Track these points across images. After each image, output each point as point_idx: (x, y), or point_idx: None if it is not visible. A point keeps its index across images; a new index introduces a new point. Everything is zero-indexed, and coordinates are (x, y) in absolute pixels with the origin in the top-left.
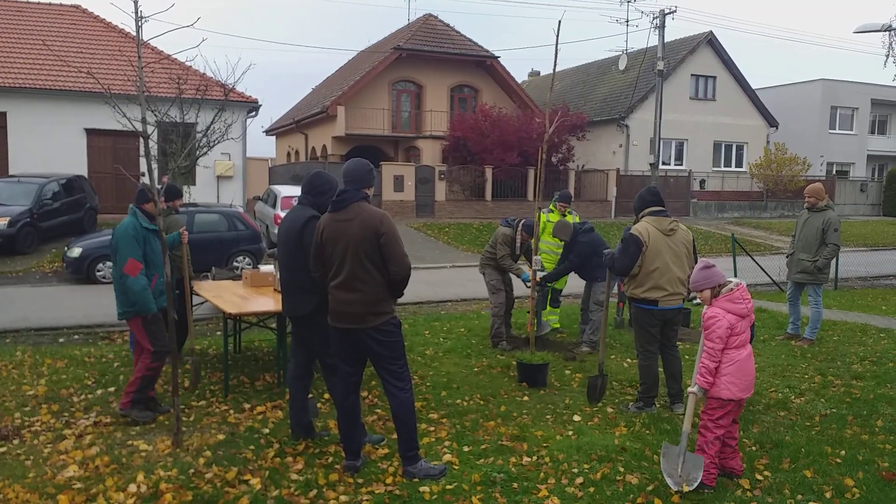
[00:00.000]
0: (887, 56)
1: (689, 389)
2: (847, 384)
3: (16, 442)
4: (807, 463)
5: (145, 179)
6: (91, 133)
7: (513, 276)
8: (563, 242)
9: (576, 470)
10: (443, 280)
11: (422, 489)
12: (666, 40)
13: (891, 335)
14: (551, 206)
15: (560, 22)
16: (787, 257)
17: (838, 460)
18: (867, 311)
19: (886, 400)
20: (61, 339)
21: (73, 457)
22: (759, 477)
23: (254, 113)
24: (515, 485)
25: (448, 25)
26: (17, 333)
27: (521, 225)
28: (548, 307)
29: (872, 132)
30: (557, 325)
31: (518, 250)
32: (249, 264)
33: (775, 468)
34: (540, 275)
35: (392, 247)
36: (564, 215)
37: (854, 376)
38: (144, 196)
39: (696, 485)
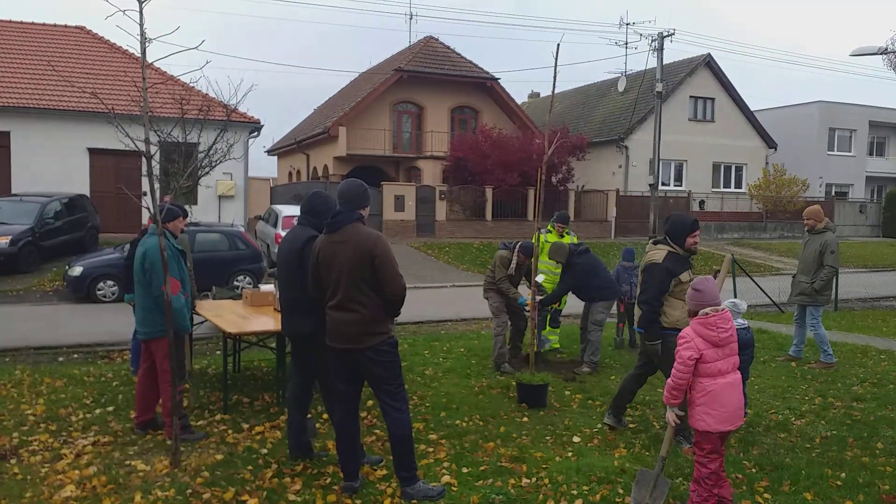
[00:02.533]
0: None
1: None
2: (847, 406)
3: (13, 461)
4: (807, 485)
5: (147, 199)
6: (94, 153)
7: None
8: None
9: (575, 492)
10: (443, 299)
11: None
12: (664, 62)
13: (891, 357)
14: (549, 227)
15: (559, 45)
16: (793, 279)
17: (839, 483)
18: (867, 333)
19: (887, 422)
20: (61, 358)
21: (71, 476)
22: (760, 500)
23: (255, 133)
24: None
25: (448, 48)
26: (16, 352)
27: (518, 247)
28: (547, 327)
29: (871, 153)
30: (557, 346)
31: (515, 272)
32: (250, 283)
33: (776, 490)
34: (538, 298)
35: (386, 268)
36: (562, 236)
37: (854, 398)
38: (170, 214)
39: None
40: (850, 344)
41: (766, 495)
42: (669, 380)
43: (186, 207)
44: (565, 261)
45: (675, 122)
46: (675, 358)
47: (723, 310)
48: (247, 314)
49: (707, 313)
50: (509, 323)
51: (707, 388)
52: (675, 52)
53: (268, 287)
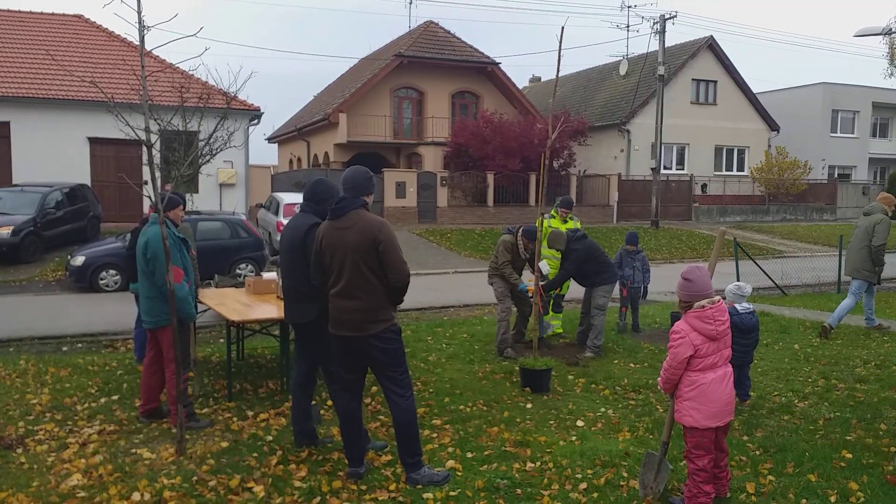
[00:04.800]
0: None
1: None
2: (851, 388)
3: (19, 451)
4: (811, 467)
5: (148, 188)
6: (94, 142)
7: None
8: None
9: (579, 475)
10: (445, 286)
11: (425, 495)
12: (666, 45)
13: (894, 338)
14: (553, 212)
15: (563, 28)
16: None
17: (842, 464)
18: None
19: (890, 403)
20: (65, 348)
21: (77, 465)
22: (764, 481)
23: (256, 121)
24: (519, 491)
25: (449, 32)
26: (20, 342)
27: (520, 231)
28: (550, 312)
29: (874, 135)
30: (560, 331)
31: (523, 254)
32: (252, 271)
33: (780, 472)
34: (541, 284)
35: (390, 254)
36: (566, 221)
37: (858, 380)
38: (171, 203)
39: (659, 495)
40: (854, 326)
41: (770, 477)
42: (663, 373)
43: (187, 196)
44: (564, 248)
45: (678, 106)
46: (668, 353)
47: (718, 301)
48: (250, 302)
49: (703, 306)
50: (514, 308)
51: (697, 382)
52: (677, 35)
53: (270, 275)
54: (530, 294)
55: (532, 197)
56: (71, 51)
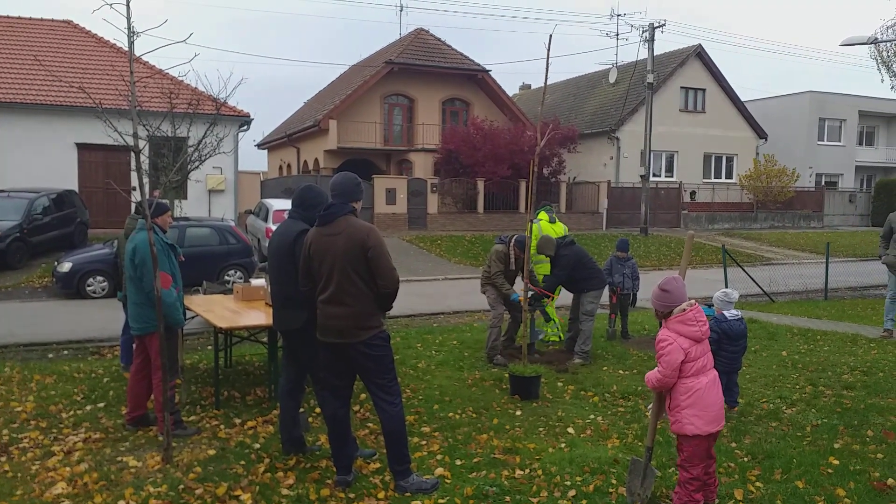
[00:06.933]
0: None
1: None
2: (838, 394)
3: (3, 459)
4: (799, 473)
5: (136, 194)
6: (82, 148)
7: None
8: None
9: (568, 482)
10: (435, 292)
11: (414, 503)
12: (655, 53)
13: (881, 345)
14: (539, 216)
15: (551, 36)
16: None
17: (830, 471)
18: (857, 322)
19: (877, 410)
20: (50, 355)
21: (62, 473)
22: (752, 488)
23: (245, 127)
24: (508, 498)
25: (439, 40)
26: (5, 349)
27: (513, 241)
28: (553, 320)
29: (860, 143)
30: (555, 339)
31: (513, 266)
32: (241, 278)
33: (767, 479)
34: (531, 294)
35: (379, 260)
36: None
37: (845, 386)
38: (159, 209)
39: (647, 502)
40: (841, 333)
41: (757, 484)
42: (655, 381)
43: (176, 202)
44: (553, 253)
45: (667, 113)
46: (660, 364)
47: (694, 303)
48: (238, 309)
49: (684, 310)
50: (506, 315)
51: (693, 388)
52: (666, 43)
53: (259, 281)
54: (522, 304)
55: (522, 203)
56: (59, 56)
